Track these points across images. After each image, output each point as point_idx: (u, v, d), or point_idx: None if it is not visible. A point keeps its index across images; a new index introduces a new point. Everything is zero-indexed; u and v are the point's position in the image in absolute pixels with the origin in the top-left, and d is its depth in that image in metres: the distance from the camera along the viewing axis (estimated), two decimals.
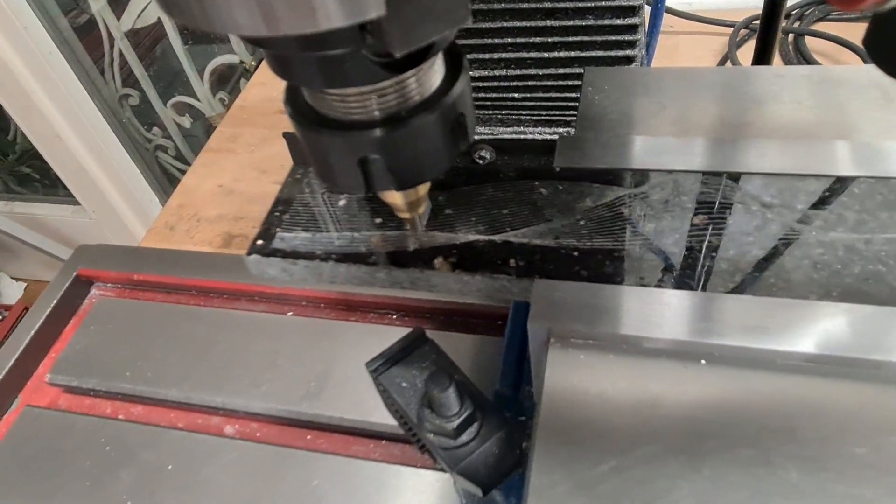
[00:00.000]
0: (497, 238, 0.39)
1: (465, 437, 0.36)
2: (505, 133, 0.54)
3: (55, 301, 0.59)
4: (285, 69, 0.22)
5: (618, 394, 0.31)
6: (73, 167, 1.61)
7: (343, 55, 0.20)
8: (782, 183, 0.39)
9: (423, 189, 0.29)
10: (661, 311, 0.33)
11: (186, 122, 1.57)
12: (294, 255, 0.41)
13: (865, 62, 0.43)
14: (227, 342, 0.54)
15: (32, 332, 0.57)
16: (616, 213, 0.39)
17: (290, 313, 0.56)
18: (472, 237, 0.39)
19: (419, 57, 0.21)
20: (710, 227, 0.38)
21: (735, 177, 0.40)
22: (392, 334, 0.51)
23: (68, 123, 1.52)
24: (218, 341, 0.54)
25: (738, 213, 0.38)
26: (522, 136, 0.54)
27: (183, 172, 1.67)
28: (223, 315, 0.56)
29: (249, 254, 0.40)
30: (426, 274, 0.38)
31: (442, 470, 0.44)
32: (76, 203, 1.76)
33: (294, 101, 0.25)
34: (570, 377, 0.32)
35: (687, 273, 0.35)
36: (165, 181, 1.74)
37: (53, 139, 1.54)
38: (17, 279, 2.07)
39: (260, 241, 0.41)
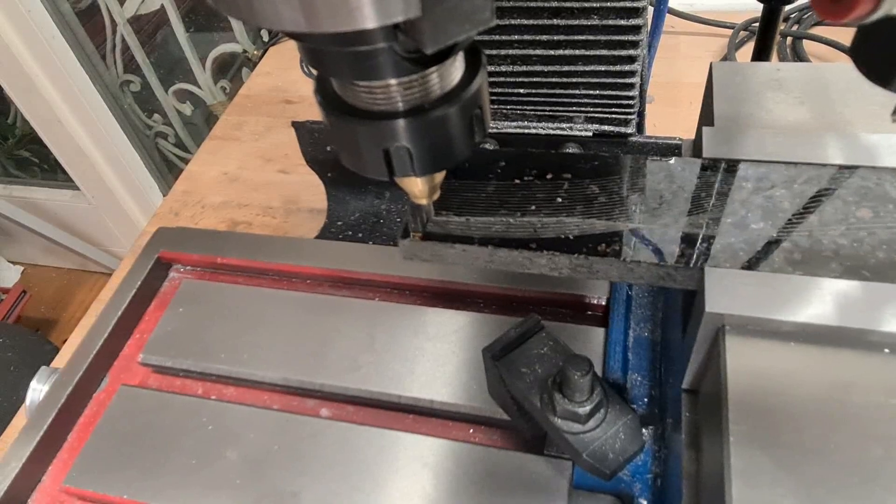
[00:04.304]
0: (656, 226, 0.39)
1: (592, 423, 0.36)
2: (509, 127, 0.56)
3: (139, 283, 0.59)
4: (320, 61, 0.23)
5: (805, 381, 0.31)
6: (72, 152, 1.61)
7: (375, 50, 0.22)
8: None
9: (439, 177, 0.31)
10: (838, 301, 0.33)
11: (187, 109, 1.57)
12: (449, 238, 0.40)
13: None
14: (320, 325, 0.54)
15: (119, 313, 0.58)
16: (776, 204, 0.40)
17: (377, 299, 0.57)
18: (633, 225, 0.39)
19: (445, 54, 0.23)
20: (875, 220, 0.38)
21: (894, 171, 0.40)
22: (481, 322, 0.52)
23: (69, 108, 1.52)
24: (310, 324, 0.54)
25: None
26: (526, 131, 0.56)
27: (182, 160, 1.68)
28: (310, 299, 0.57)
29: (404, 237, 0.40)
30: (590, 260, 0.38)
31: (551, 455, 0.44)
32: (75, 188, 1.76)
33: (323, 91, 0.26)
34: (752, 365, 0.32)
35: (857, 263, 0.36)
36: (165, 168, 1.75)
37: (54, 123, 1.55)
38: (14, 263, 2.07)
39: (411, 225, 0.40)
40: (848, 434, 0.29)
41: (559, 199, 0.42)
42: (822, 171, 0.41)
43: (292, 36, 0.22)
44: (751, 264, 0.36)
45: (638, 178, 0.43)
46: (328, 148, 0.63)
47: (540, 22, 0.48)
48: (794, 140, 0.44)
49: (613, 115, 0.53)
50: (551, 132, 0.55)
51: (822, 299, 0.33)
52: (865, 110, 0.47)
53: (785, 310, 0.33)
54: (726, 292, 0.35)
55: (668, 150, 0.54)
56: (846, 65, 0.60)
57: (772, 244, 0.37)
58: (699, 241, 0.38)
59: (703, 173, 0.43)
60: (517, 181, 0.44)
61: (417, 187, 0.30)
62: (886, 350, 0.32)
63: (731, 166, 0.43)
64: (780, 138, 0.45)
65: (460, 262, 0.41)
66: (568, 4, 0.46)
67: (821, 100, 0.48)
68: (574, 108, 0.53)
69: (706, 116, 0.51)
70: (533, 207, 0.41)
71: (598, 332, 0.50)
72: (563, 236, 0.39)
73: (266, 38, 1.30)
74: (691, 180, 0.42)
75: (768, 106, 0.48)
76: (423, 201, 0.31)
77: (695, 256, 0.38)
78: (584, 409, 0.36)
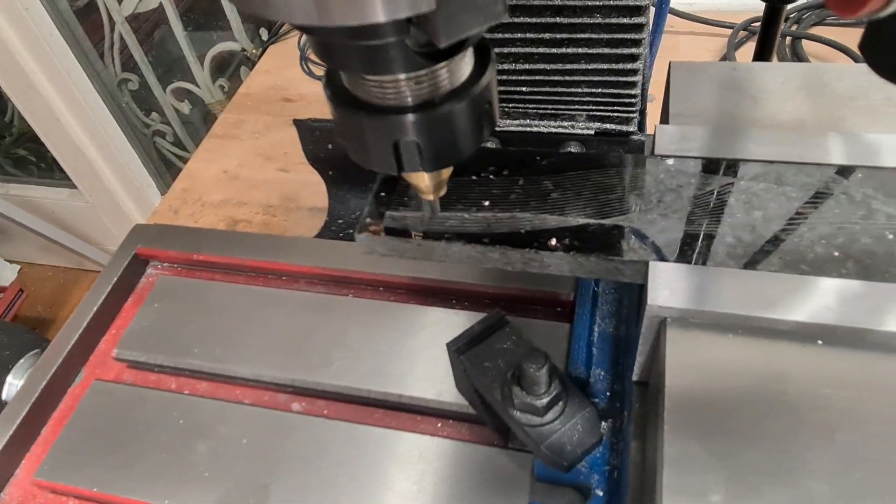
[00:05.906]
0: (607, 222, 0.40)
1: (550, 416, 0.37)
2: (511, 126, 0.56)
3: (115, 279, 0.60)
4: (331, 55, 0.23)
5: (741, 372, 0.33)
6: (70, 150, 1.61)
7: (388, 44, 0.22)
8: (885, 176, 0.40)
9: (446, 173, 0.31)
10: (776, 294, 0.34)
11: (185, 108, 1.57)
12: (405, 234, 0.41)
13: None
14: (293, 321, 0.54)
15: (94, 309, 0.58)
16: (722, 200, 0.41)
17: (351, 295, 0.57)
18: (583, 220, 0.41)
19: (456, 48, 0.23)
20: (816, 216, 0.39)
21: (838, 169, 0.42)
22: (453, 319, 0.53)
23: (67, 106, 1.52)
24: (284, 320, 0.55)
25: (843, 204, 0.39)
26: (528, 129, 0.56)
27: (180, 158, 1.67)
28: (284, 295, 0.57)
29: (360, 232, 0.41)
30: (540, 255, 0.39)
31: (514, 448, 0.45)
32: (73, 187, 1.75)
33: (332, 85, 0.26)
34: (691, 356, 0.33)
35: (797, 258, 0.37)
36: (163, 167, 1.74)
37: (51, 122, 1.54)
38: (11, 261, 2.06)
39: (368, 220, 0.42)
40: (779, 423, 0.31)
41: (513, 196, 0.43)
42: (769, 168, 0.42)
43: (304, 29, 0.22)
44: (694, 258, 0.38)
45: (589, 174, 0.44)
46: (329, 146, 0.63)
47: (542, 20, 0.48)
48: (743, 137, 0.45)
49: (615, 114, 0.53)
50: (553, 130, 0.55)
51: (761, 292, 0.35)
52: (818, 109, 0.47)
53: (724, 303, 0.34)
54: (668, 286, 0.36)
55: (638, 147, 0.54)
56: (800, 65, 0.61)
57: (715, 239, 0.38)
58: (647, 235, 0.40)
59: (653, 170, 0.44)
60: (473, 177, 0.44)
61: (425, 182, 0.30)
62: (820, 342, 0.33)
63: (680, 163, 0.44)
64: (729, 136, 0.45)
65: (417, 256, 0.42)
66: (570, 3, 0.46)
67: (775, 98, 0.49)
68: (576, 107, 0.53)
69: (664, 114, 0.51)
70: (487, 203, 0.42)
71: (564, 328, 0.51)
72: (515, 231, 0.41)
73: (265, 37, 1.30)
74: (641, 177, 0.43)
75: (722, 104, 0.49)
76: (430, 196, 0.31)
77: (642, 250, 0.39)
78: (542, 402, 0.37)
